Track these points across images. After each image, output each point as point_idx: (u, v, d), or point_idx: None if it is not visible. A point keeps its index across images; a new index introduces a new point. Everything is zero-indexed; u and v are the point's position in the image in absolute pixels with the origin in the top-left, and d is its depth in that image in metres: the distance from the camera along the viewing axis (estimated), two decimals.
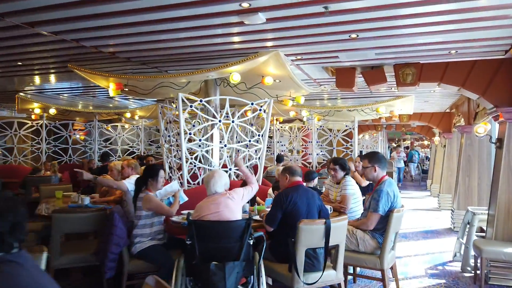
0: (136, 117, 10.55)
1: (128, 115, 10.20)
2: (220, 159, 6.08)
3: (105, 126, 11.64)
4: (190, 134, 5.55)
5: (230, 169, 5.87)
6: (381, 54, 4.75)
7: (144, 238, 3.83)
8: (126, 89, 6.26)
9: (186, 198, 4.27)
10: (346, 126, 10.77)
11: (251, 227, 3.35)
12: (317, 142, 10.92)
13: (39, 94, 9.13)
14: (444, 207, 10.69)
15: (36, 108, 9.20)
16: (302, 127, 11.41)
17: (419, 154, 20.57)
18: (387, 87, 7.32)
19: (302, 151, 11.70)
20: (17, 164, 10.36)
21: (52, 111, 9.31)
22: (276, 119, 11.36)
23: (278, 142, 11.63)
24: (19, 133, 10.36)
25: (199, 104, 5.62)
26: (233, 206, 3.45)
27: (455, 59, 4.93)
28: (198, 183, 5.72)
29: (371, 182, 4.75)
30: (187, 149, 5.66)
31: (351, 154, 10.59)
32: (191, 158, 5.60)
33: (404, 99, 8.22)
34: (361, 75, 5.56)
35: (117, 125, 11.79)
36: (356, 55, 4.72)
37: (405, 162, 17.05)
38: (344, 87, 5.45)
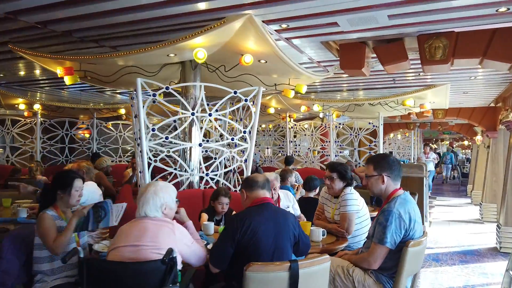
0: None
1: (122, 111, 9.24)
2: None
3: (105, 124, 10.79)
4: (153, 130, 4.43)
5: (207, 174, 4.69)
6: (397, 18, 3.39)
7: (47, 276, 2.70)
8: (89, 78, 5.26)
9: (113, 223, 2.80)
10: (370, 123, 9.38)
11: (175, 271, 2.15)
12: (336, 142, 9.58)
13: (24, 88, 8.32)
14: (487, 219, 9.02)
15: (21, 103, 8.40)
16: (320, 124, 10.09)
17: (453, 155, 18.79)
18: (415, 73, 5.89)
19: (320, 151, 10.34)
20: (9, 164, 9.71)
21: (37, 106, 8.48)
22: (289, 116, 10.08)
23: (291, 141, 10.33)
24: (12, 131, 9.73)
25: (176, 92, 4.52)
26: (165, 244, 2.23)
27: (506, 23, 3.48)
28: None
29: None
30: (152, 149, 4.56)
31: None
32: (156, 160, 4.46)
33: (437, 89, 6.72)
34: (375, 54, 4.21)
35: (119, 123, 10.90)
36: (362, 19, 3.38)
37: (437, 165, 15.26)
38: (351, 68, 4.12)
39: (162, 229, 2.28)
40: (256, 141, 11.84)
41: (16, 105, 8.57)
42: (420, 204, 7.34)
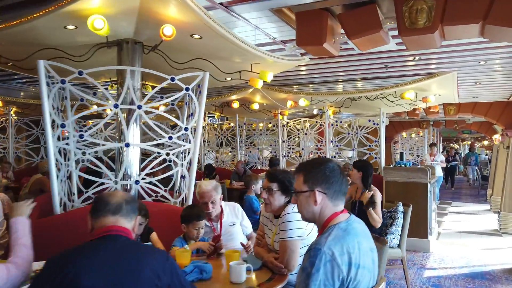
0: (109, 111, 8.75)
1: (94, 107, 8.42)
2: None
3: (84, 123, 10.06)
4: (63, 126, 3.54)
5: (137, 182, 3.75)
6: None
7: None
8: (9, 64, 4.43)
9: None
10: (370, 120, 8.27)
11: None
12: (332, 141, 8.53)
13: None
14: (506, 230, 7.78)
15: None
16: (315, 123, 9.06)
17: (477, 156, 17.32)
18: (411, 55, 4.80)
19: (315, 152, 9.31)
20: None
21: None
22: (281, 113, 9.07)
23: (284, 141, 9.32)
24: None
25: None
26: None
27: None
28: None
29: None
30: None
31: (376, 158, 8.09)
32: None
33: (441, 78, 5.61)
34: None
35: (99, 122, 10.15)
36: None
37: (446, 168, 13.61)
38: (310, 44, 3.10)
39: None
40: (251, 142, 11.00)
41: None
42: (424, 214, 6.25)
